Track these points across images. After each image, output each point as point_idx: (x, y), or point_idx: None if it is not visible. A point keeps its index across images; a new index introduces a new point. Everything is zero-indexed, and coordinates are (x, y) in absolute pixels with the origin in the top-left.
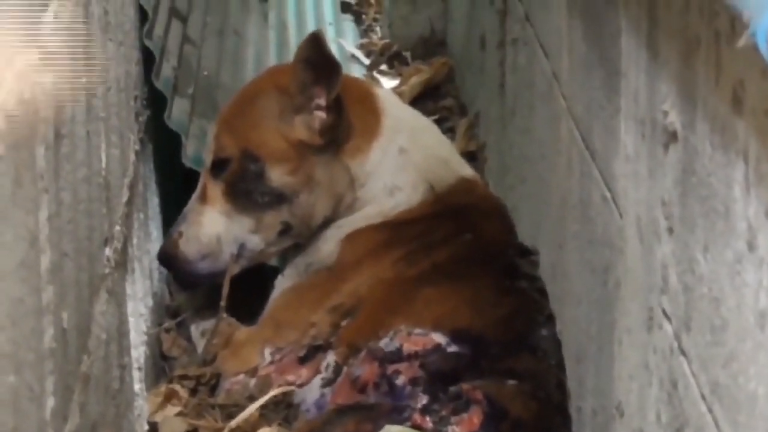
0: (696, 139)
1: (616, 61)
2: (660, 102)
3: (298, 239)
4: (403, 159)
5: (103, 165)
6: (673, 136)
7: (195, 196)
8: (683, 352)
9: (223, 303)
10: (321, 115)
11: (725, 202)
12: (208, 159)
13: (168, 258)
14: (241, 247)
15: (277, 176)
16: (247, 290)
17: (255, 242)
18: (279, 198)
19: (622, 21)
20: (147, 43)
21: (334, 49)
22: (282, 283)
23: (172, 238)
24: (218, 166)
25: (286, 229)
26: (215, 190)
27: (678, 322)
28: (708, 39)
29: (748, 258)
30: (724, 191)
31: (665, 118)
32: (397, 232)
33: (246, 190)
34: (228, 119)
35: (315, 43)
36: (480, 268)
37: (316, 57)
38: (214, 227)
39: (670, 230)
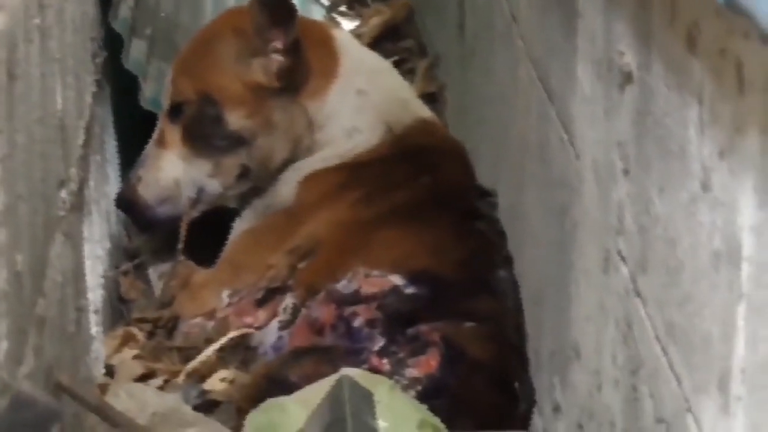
0: (651, 79)
1: (573, 2)
2: (616, 43)
3: (257, 182)
4: (361, 100)
5: (59, 107)
6: (628, 77)
7: (153, 140)
8: (638, 294)
9: (181, 246)
10: (278, 58)
11: (680, 142)
12: (165, 103)
13: (126, 203)
14: (200, 191)
15: (235, 120)
16: (206, 233)
17: (214, 186)
18: (237, 141)
19: None
20: None
21: None
22: (240, 226)
23: (131, 182)
24: (176, 110)
25: (244, 173)
26: (173, 134)
27: (633, 263)
28: None
29: (702, 198)
30: (679, 132)
31: (621, 58)
32: (355, 174)
33: (204, 133)
34: (185, 63)
35: None
36: (438, 209)
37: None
38: (173, 171)
39: (626, 171)
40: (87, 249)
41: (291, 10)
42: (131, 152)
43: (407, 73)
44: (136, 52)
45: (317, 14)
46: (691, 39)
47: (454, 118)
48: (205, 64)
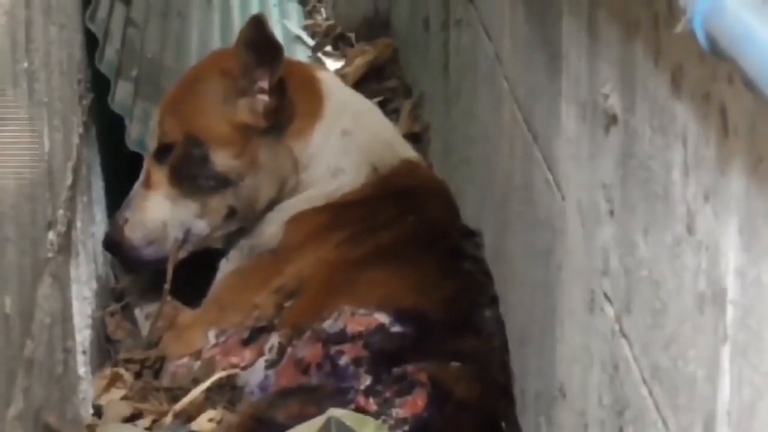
0: (636, 122)
1: (557, 44)
2: (600, 85)
3: (244, 223)
4: (345, 141)
5: (46, 149)
6: (613, 119)
7: (139, 181)
8: (624, 335)
9: (167, 286)
10: (264, 98)
11: (664, 185)
12: (151, 144)
13: (114, 244)
14: (187, 232)
15: (222, 160)
16: (192, 273)
17: (200, 227)
18: (224, 182)
19: (563, 3)
20: (90, 26)
21: (278, 30)
22: (226, 266)
23: (118, 224)
24: (162, 151)
25: (231, 213)
26: (160, 175)
27: (619, 304)
28: (647, 22)
29: (687, 241)
30: (663, 174)
31: (606, 101)
32: (341, 214)
33: (191, 174)
34: (171, 104)
35: (257, 25)
36: (424, 249)
37: (258, 40)
38: (160, 213)
39: (611, 213)
40: (74, 290)
41: (277, 49)
42: (118, 193)
43: (392, 113)
44: (121, 94)
45: (302, 54)
46: (676, 82)
47: (438, 158)
48: (192, 106)
